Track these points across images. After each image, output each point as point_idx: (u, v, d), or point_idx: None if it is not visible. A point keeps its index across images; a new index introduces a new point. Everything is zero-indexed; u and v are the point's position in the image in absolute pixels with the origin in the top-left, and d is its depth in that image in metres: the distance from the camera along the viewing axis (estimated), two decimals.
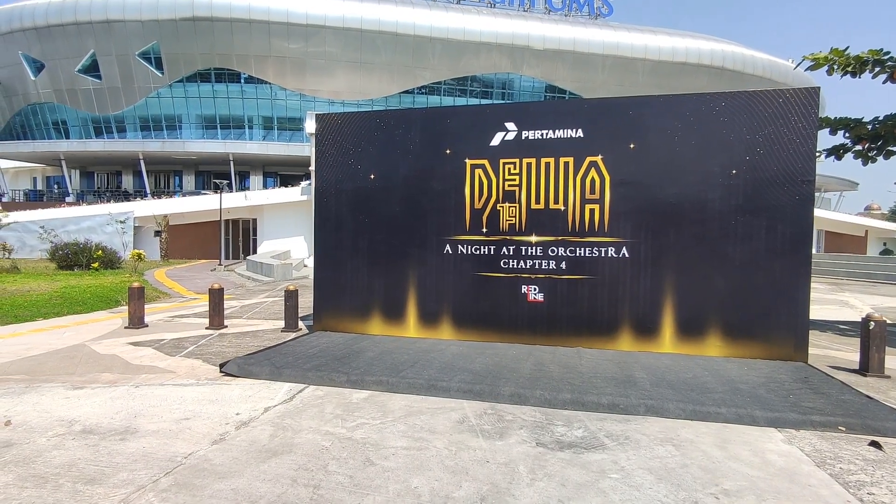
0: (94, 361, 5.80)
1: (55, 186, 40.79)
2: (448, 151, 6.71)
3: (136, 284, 7.75)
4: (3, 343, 6.72)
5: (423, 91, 40.04)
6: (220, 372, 5.36)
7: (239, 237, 28.46)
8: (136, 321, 7.68)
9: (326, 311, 7.22)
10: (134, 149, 35.54)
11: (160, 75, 36.92)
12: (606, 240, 6.29)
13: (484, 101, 41.47)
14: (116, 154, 36.65)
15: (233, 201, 26.42)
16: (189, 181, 40.23)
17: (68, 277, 13.49)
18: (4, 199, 38.32)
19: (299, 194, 27.44)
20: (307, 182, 33.27)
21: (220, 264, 21.57)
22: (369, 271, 7.02)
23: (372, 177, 6.99)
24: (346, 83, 38.38)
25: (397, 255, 6.90)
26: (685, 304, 6.07)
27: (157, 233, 25.59)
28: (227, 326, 7.84)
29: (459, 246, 6.69)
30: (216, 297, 7.68)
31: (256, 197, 27.25)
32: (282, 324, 8.11)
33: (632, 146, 6.22)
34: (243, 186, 39.08)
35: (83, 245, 15.86)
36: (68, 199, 36.01)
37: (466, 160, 6.65)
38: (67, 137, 38.72)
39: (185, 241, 26.68)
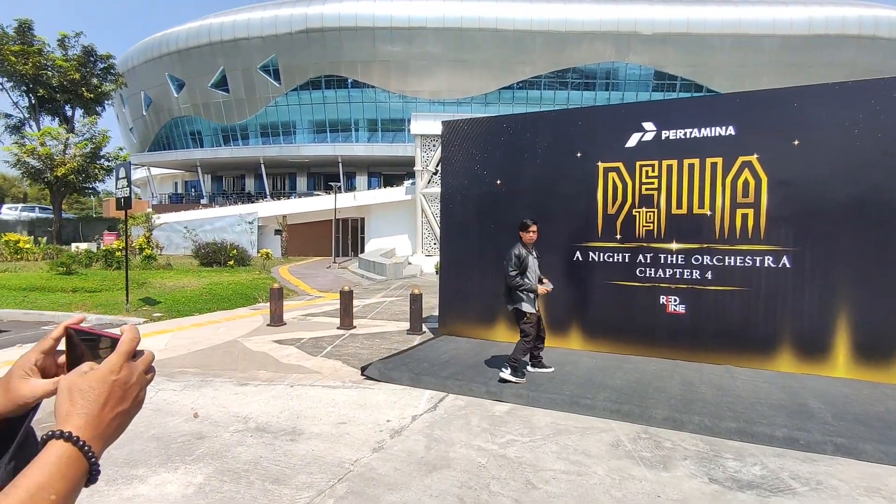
0: (249, 358, 6.37)
1: (192, 190, 46.14)
2: (579, 155, 6.44)
3: (275, 286, 8.43)
4: (175, 337, 7.63)
5: (523, 86, 39.43)
6: (362, 375, 5.61)
7: (349, 235, 30.11)
8: (277, 319, 8.34)
9: (452, 315, 7.30)
10: (255, 154, 39.04)
11: (278, 85, 40.03)
12: (763, 248, 5.64)
13: (586, 93, 39.89)
14: (241, 159, 40.52)
15: (343, 201, 27.98)
16: (302, 182, 43.41)
17: (210, 274, 15.12)
18: (153, 202, 44.05)
19: (404, 194, 28.33)
20: (410, 182, 34.32)
21: (334, 262, 22.96)
22: (496, 277, 6.95)
23: (498, 182, 6.92)
24: (446, 82, 38.89)
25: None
26: (865, 321, 5.26)
27: (278, 231, 27.88)
28: (355, 327, 8.24)
29: (591, 253, 6.39)
30: (346, 298, 8.10)
31: (364, 197, 28.60)
32: (405, 325, 8.36)
33: (796, 143, 5.51)
34: (350, 186, 41.26)
35: (220, 244, 17.78)
36: (202, 202, 40.50)
37: (599, 163, 6.33)
38: (202, 146, 43.49)
39: (301, 239, 28.77)
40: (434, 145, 26.45)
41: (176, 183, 49.89)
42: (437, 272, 22.85)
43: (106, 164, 26.50)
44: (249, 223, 25.45)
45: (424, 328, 7.98)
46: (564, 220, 6.53)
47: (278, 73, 39.69)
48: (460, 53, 38.08)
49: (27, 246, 16.02)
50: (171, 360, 6.28)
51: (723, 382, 5.17)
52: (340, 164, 39.16)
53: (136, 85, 43.21)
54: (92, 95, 26.39)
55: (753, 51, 36.90)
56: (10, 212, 28.38)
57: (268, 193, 40.29)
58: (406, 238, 28.92)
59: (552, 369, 5.53)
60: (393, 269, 16.51)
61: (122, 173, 9.07)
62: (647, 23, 36.82)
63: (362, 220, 29.33)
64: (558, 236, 6.55)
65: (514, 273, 5.38)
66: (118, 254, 15.13)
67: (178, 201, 43.81)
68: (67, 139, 24.86)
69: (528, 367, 5.54)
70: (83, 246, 23.43)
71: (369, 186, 41.48)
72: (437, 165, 26.57)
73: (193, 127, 44.20)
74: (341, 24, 37.30)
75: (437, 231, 26.83)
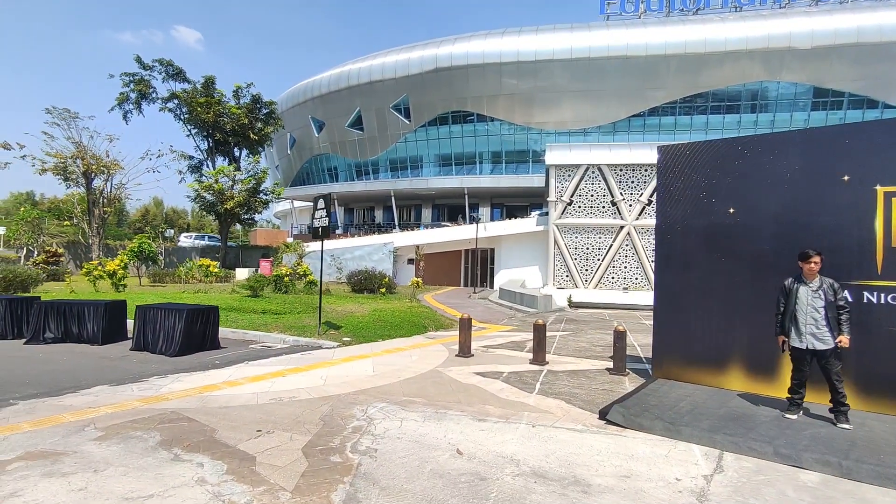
0: (464, 391, 6.22)
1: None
2: (846, 178, 5.52)
3: (465, 315, 8.34)
4: (376, 363, 7.82)
5: (656, 113, 37.57)
6: (601, 419, 5.13)
7: (478, 266, 30.29)
8: (466, 350, 8.23)
9: (669, 357, 6.59)
10: (387, 187, 41.41)
11: (407, 123, 42.40)
12: None
13: (728, 117, 36.92)
14: (373, 192, 43.23)
15: (472, 232, 28.30)
16: (427, 214, 45.06)
17: (367, 300, 15.84)
18: (295, 232, 48.48)
19: (534, 225, 27.94)
20: (538, 212, 33.91)
21: (474, 292, 23.06)
22: (727, 317, 6.17)
23: (731, 211, 6.19)
24: (571, 113, 38.40)
25: (766, 300, 5.90)
26: None
27: (411, 260, 28.89)
28: (548, 362, 7.82)
29: (866, 293, 5.37)
30: (540, 333, 7.75)
31: (494, 228, 28.69)
32: (599, 363, 7.79)
33: None
34: (474, 218, 41.97)
35: (371, 272, 18.73)
36: (338, 232, 43.66)
37: (878, 187, 5.35)
38: (336, 181, 47.23)
39: (432, 268, 29.52)
40: (570, 175, 25.88)
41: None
42: (569, 305, 21.91)
43: (264, 198, 29.65)
44: (392, 252, 26.70)
45: (627, 369, 7.32)
46: (824, 254, 5.58)
47: (409, 111, 42.09)
48: (587, 83, 37.53)
49: (215, 270, 18.24)
50: (389, 387, 6.33)
51: None
52: (466, 196, 40.02)
53: (281, 128, 48.56)
54: (256, 137, 29.92)
55: None
56: (186, 240, 32.84)
57: (396, 224, 42.27)
58: (536, 269, 28.35)
59: (849, 427, 4.67)
60: (544, 301, 16.01)
61: (320, 204, 9.79)
62: (806, 35, 33.39)
63: (492, 250, 29.38)
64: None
65: (777, 305, 5.11)
66: (286, 279, 16.48)
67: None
68: (234, 176, 28.33)
69: (786, 415, 4.93)
70: (245, 271, 26.17)
71: (492, 218, 41.81)
72: (572, 196, 25.89)
73: (330, 163, 48.30)
74: (469, 62, 38.75)
75: (571, 263, 25.97)
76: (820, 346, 4.79)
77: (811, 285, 4.89)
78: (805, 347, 4.85)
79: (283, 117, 48.14)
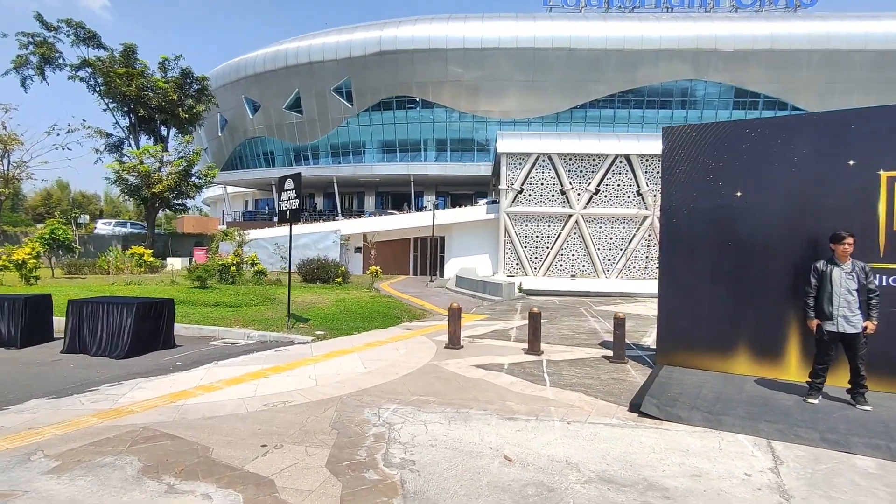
0: (474, 387, 5.74)
1: (265, 207, 47.37)
2: (851, 162, 5.59)
3: (454, 305, 7.85)
4: (363, 359, 7.13)
5: (596, 105, 38.65)
6: (632, 412, 4.86)
7: (427, 254, 29.78)
8: (456, 342, 7.75)
9: (675, 343, 6.49)
10: (330, 173, 39.68)
11: (350, 107, 40.77)
12: None
13: (662, 112, 38.74)
14: (315, 178, 41.28)
15: (422, 220, 27.71)
16: (370, 201, 43.79)
17: (324, 291, 14.88)
18: (228, 219, 45.42)
19: (484, 213, 27.85)
20: (486, 200, 33.87)
21: (431, 281, 22.53)
22: (734, 302, 6.13)
23: (738, 194, 6.14)
24: (517, 102, 38.61)
25: (774, 284, 5.92)
26: None
27: (358, 249, 27.84)
28: (543, 352, 7.53)
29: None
30: (535, 322, 7.43)
31: (444, 216, 28.27)
32: (593, 351, 7.62)
33: None
34: (419, 206, 41.27)
35: (324, 261, 17.66)
36: (275, 219, 41.37)
37: (881, 172, 5.46)
38: (273, 165, 44.66)
39: (380, 256, 28.58)
40: (520, 164, 25.94)
41: (247, 201, 51.42)
42: (519, 292, 21.99)
43: (196, 181, 27.30)
44: (339, 240, 25.48)
45: (626, 357, 7.18)
46: (827, 238, 5.65)
47: (351, 95, 40.45)
48: (532, 73, 37.84)
49: (150, 260, 16.35)
50: (390, 385, 5.73)
51: None
52: (412, 183, 39.25)
53: (213, 107, 45.13)
54: (187, 116, 27.40)
55: (843, 67, 35.10)
56: (104, 227, 29.62)
57: (339, 212, 40.73)
58: (487, 258, 28.33)
59: (869, 408, 4.70)
60: (507, 289, 15.83)
61: (289, 185, 8.84)
62: (729, 39, 35.61)
63: (442, 238, 28.97)
64: (821, 256, 5.66)
65: (808, 288, 5.09)
66: (232, 269, 15.12)
67: (251, 218, 45.00)
68: (162, 157, 25.79)
69: (808, 399, 4.93)
70: (178, 261, 24.00)
71: (437, 206, 41.38)
72: (523, 184, 26.01)
73: (266, 147, 45.54)
74: (414, 47, 37.78)
75: (521, 251, 26.15)
76: (850, 330, 4.79)
77: (844, 267, 4.87)
78: (836, 330, 4.83)
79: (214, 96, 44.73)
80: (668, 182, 6.61)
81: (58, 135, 24.36)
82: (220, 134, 47.86)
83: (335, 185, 40.26)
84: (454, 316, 7.77)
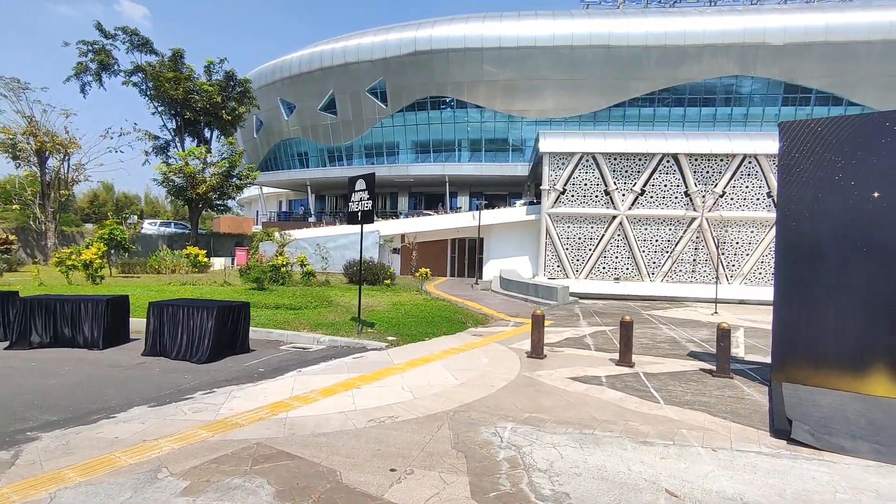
0: (584, 403, 5.35)
1: (300, 208, 47.86)
2: None
3: (538, 312, 7.45)
4: (446, 367, 6.81)
5: (635, 103, 37.66)
6: (778, 437, 4.39)
7: (465, 255, 29.44)
8: (539, 351, 7.36)
9: (794, 358, 5.95)
10: (363, 174, 39.75)
11: (384, 107, 40.75)
12: None
13: (705, 110, 37.52)
14: (347, 179, 41.46)
15: (461, 221, 27.38)
16: (403, 202, 43.70)
17: (374, 292, 14.67)
18: (263, 219, 46.01)
19: (524, 214, 27.35)
20: (522, 202, 33.35)
21: (476, 283, 22.21)
22: (868, 315, 5.56)
23: (875, 195, 5.57)
24: (553, 101, 37.93)
25: None
26: None
27: (396, 250, 27.67)
28: (634, 364, 7.06)
29: None
30: (628, 330, 6.97)
31: (484, 216, 27.86)
32: (684, 363, 7.12)
33: None
34: (453, 207, 41.01)
35: (370, 262, 17.48)
36: (311, 220, 41.63)
37: None
38: (307, 167, 45.03)
39: (419, 258, 28.43)
40: (563, 164, 25.34)
41: (280, 201, 52.03)
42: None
43: (238, 182, 27.58)
44: (378, 241, 25.38)
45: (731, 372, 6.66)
46: None
47: (385, 96, 40.42)
48: (569, 72, 37.11)
49: (205, 260, 16.46)
50: (491, 400, 5.37)
51: None
52: (447, 184, 38.97)
53: (253, 109, 45.74)
54: (230, 118, 27.72)
55: None
56: (150, 227, 30.23)
57: (374, 212, 40.75)
58: (526, 259, 27.82)
59: None
60: (562, 293, 15.31)
61: (360, 185, 8.59)
62: (779, 32, 34.18)
63: (481, 240, 28.57)
64: None
65: None
66: (283, 269, 15.04)
67: (285, 219, 45.50)
68: (206, 158, 26.13)
69: None
70: (220, 260, 24.24)
71: (471, 207, 41.03)
72: (566, 184, 25.40)
73: (300, 148, 45.95)
74: (449, 46, 37.48)
75: (563, 254, 25.54)
76: None
77: None
78: None
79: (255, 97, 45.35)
80: (787, 182, 6.08)
81: (111, 138, 24.95)
82: (255, 136, 48.52)
83: None
84: (537, 324, 7.37)
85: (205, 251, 16.64)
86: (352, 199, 8.81)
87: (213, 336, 6.77)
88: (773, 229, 24.14)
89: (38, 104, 22.35)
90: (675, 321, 12.58)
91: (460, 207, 41.90)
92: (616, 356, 7.69)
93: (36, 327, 7.40)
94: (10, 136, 20.53)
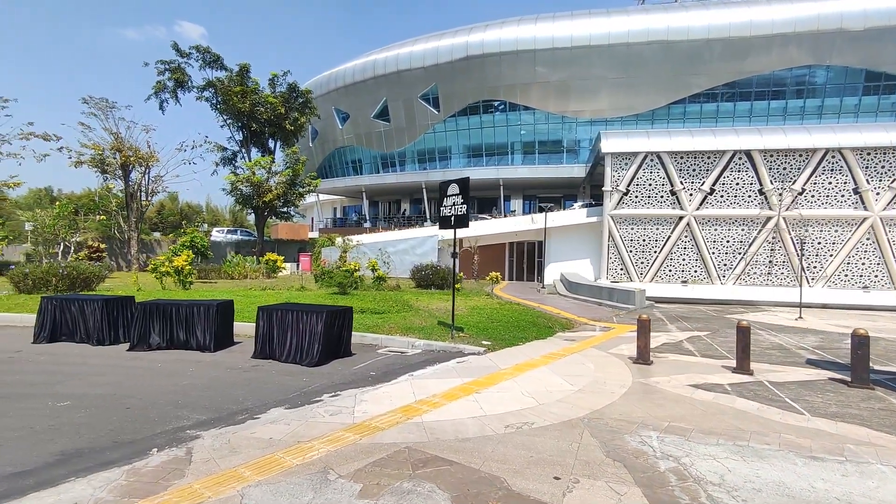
0: (717, 411, 5.10)
1: (353, 214, 49.00)
2: None
3: (643, 316, 7.19)
4: (555, 372, 6.68)
5: (696, 100, 36.24)
6: None
7: (523, 258, 29.16)
8: (646, 357, 7.10)
9: None
10: (419, 179, 40.16)
11: (436, 113, 41.06)
12: None
13: (774, 103, 35.63)
14: (403, 185, 41.98)
15: (520, 224, 27.14)
16: None
17: (445, 296, 14.69)
18: (320, 226, 47.35)
19: (585, 216, 26.82)
20: (580, 203, 32.74)
21: (542, 287, 21.98)
22: None
23: None
24: (608, 101, 37.07)
25: None
26: None
27: (454, 254, 27.72)
28: (753, 371, 6.69)
29: None
30: (745, 336, 6.60)
31: (543, 219, 27.51)
32: (808, 371, 6.66)
33: None
34: (507, 210, 40.79)
35: (438, 267, 17.60)
36: (366, 225, 42.47)
37: None
38: (361, 173, 46.00)
39: (479, 261, 28.39)
40: (626, 164, 24.66)
41: (335, 208, 53.40)
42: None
43: (300, 190, 28.48)
44: (437, 245, 25.54)
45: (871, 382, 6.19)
46: None
47: (437, 101, 40.73)
48: (625, 70, 36.20)
49: (283, 266, 17.12)
50: (620, 407, 5.20)
51: None
52: (501, 187, 38.82)
53: (318, 117, 47.14)
54: (292, 128, 28.70)
55: None
56: (218, 234, 31.69)
57: (427, 217, 41.11)
58: (588, 262, 27.22)
59: None
60: (640, 297, 14.85)
61: (452, 190, 8.62)
62: (858, 16, 32.05)
63: (539, 243, 28.21)
64: None
65: None
66: (356, 274, 15.35)
67: (340, 225, 46.64)
68: (271, 168, 27.13)
69: None
70: (288, 266, 25.03)
71: (524, 210, 40.69)
72: (629, 185, 24.69)
73: (354, 156, 47.00)
74: (501, 50, 37.38)
75: (626, 256, 24.79)
76: None
77: None
78: None
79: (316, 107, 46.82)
80: None
81: (184, 151, 26.37)
82: (311, 144, 50.03)
83: (423, 190, 40.64)
84: (644, 329, 7.12)
85: (282, 258, 17.24)
86: (444, 203, 8.84)
87: (323, 339, 6.93)
88: (861, 227, 22.69)
89: (123, 121, 24.01)
90: (769, 326, 11.90)
91: (514, 210, 41.57)
92: (727, 363, 7.32)
93: (154, 330, 7.83)
94: (100, 152, 22.09)
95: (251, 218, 70.02)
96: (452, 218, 8.62)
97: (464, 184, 8.67)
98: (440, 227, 8.90)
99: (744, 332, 6.67)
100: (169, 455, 3.82)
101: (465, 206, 8.46)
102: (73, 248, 21.70)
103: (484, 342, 8.40)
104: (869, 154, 22.94)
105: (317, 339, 6.95)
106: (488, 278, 17.85)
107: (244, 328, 9.02)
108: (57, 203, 21.71)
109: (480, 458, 3.84)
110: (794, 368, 7.04)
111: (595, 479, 3.52)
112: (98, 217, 24.89)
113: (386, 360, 7.40)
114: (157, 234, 35.77)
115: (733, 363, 7.29)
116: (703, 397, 5.55)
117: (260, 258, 26.28)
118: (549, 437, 4.32)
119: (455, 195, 8.61)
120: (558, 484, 3.43)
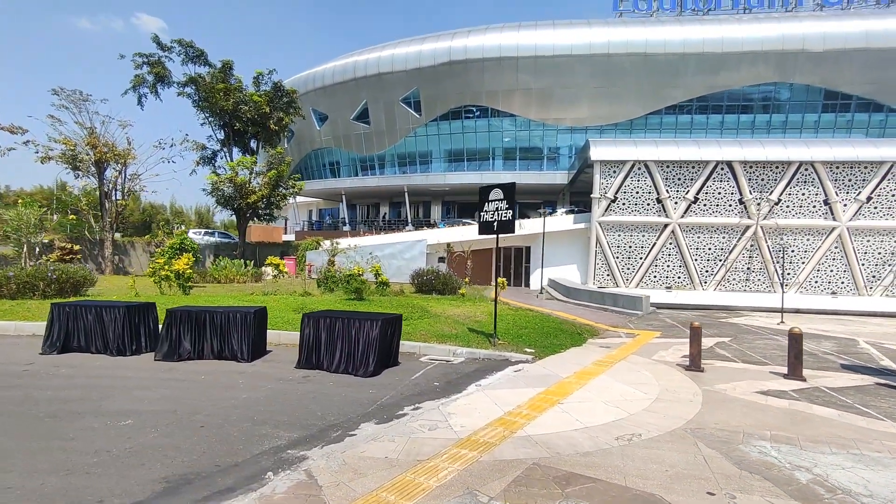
0: (804, 419, 5.16)
1: (328, 217, 48.04)
2: None
3: (695, 324, 7.26)
4: (616, 381, 6.63)
5: (672, 111, 37.51)
6: None
7: (510, 264, 29.28)
8: (697, 364, 7.16)
9: None
10: (400, 182, 39.79)
11: (418, 116, 40.86)
12: None
13: (743, 117, 37.29)
14: (383, 188, 41.50)
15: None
16: (436, 211, 43.68)
17: (454, 302, 14.53)
18: (297, 229, 46.17)
19: (572, 223, 27.20)
20: (564, 210, 33.20)
21: (541, 292, 22.05)
22: None
23: None
24: (589, 109, 37.88)
25: None
26: None
27: (441, 259, 27.55)
28: (805, 377, 6.84)
29: None
30: (798, 343, 6.76)
31: (531, 225, 27.73)
32: (852, 376, 6.88)
33: None
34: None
35: (438, 272, 17.39)
36: (346, 229, 41.69)
37: None
38: (338, 176, 45.22)
39: (464, 266, 28.30)
40: (615, 172, 25.18)
41: (310, 211, 52.26)
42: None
43: (284, 191, 27.68)
44: (425, 250, 25.29)
45: None
46: None
47: (419, 105, 40.54)
48: (606, 79, 37.10)
49: (285, 270, 16.45)
50: (712, 417, 5.19)
51: None
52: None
53: (302, 117, 45.88)
54: (276, 128, 27.89)
55: None
56: (195, 236, 30.35)
57: (409, 221, 40.77)
58: (574, 268, 27.60)
59: None
60: (646, 302, 15.10)
61: (495, 195, 8.47)
62: (818, 38, 34.00)
63: (527, 248, 28.43)
64: None
65: None
66: (360, 279, 14.96)
67: (317, 228, 45.66)
68: (253, 168, 26.24)
69: None
70: (270, 269, 24.19)
71: None
72: (617, 192, 25.21)
73: (332, 158, 46.16)
74: (484, 56, 37.62)
75: (613, 262, 25.28)
76: None
77: None
78: None
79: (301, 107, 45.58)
80: None
81: (163, 148, 25.11)
82: (286, 145, 48.80)
83: (406, 194, 40.31)
84: (696, 337, 7.18)
85: (284, 262, 16.60)
86: (485, 208, 8.70)
87: (378, 349, 6.65)
88: (830, 237, 23.98)
89: (98, 115, 22.65)
90: (773, 331, 12.31)
91: (550, 212, 41.86)
92: (772, 368, 7.49)
93: (184, 339, 7.31)
94: (72, 148, 20.72)
95: (217, 219, 67.57)
96: (495, 224, 8.48)
97: (509, 189, 8.56)
98: (480, 233, 8.75)
99: (796, 339, 6.82)
100: (291, 479, 3.50)
101: (510, 210, 8.34)
102: (37, 250, 20.23)
103: (527, 350, 8.28)
104: (838, 168, 24.29)
105: (371, 348, 6.65)
106: (499, 281, 17.74)
107: (270, 335, 8.57)
108: (20, 201, 20.20)
109: (619, 474, 3.71)
110: (837, 374, 7.27)
111: (748, 493, 3.45)
112: (69, 217, 23.29)
113: (437, 370, 7.17)
114: (118, 235, 33.91)
115: (776, 368, 7.46)
116: (778, 404, 5.62)
117: (247, 262, 25.33)
118: (668, 449, 4.24)
119: (498, 200, 8.48)
120: (716, 500, 3.34)
